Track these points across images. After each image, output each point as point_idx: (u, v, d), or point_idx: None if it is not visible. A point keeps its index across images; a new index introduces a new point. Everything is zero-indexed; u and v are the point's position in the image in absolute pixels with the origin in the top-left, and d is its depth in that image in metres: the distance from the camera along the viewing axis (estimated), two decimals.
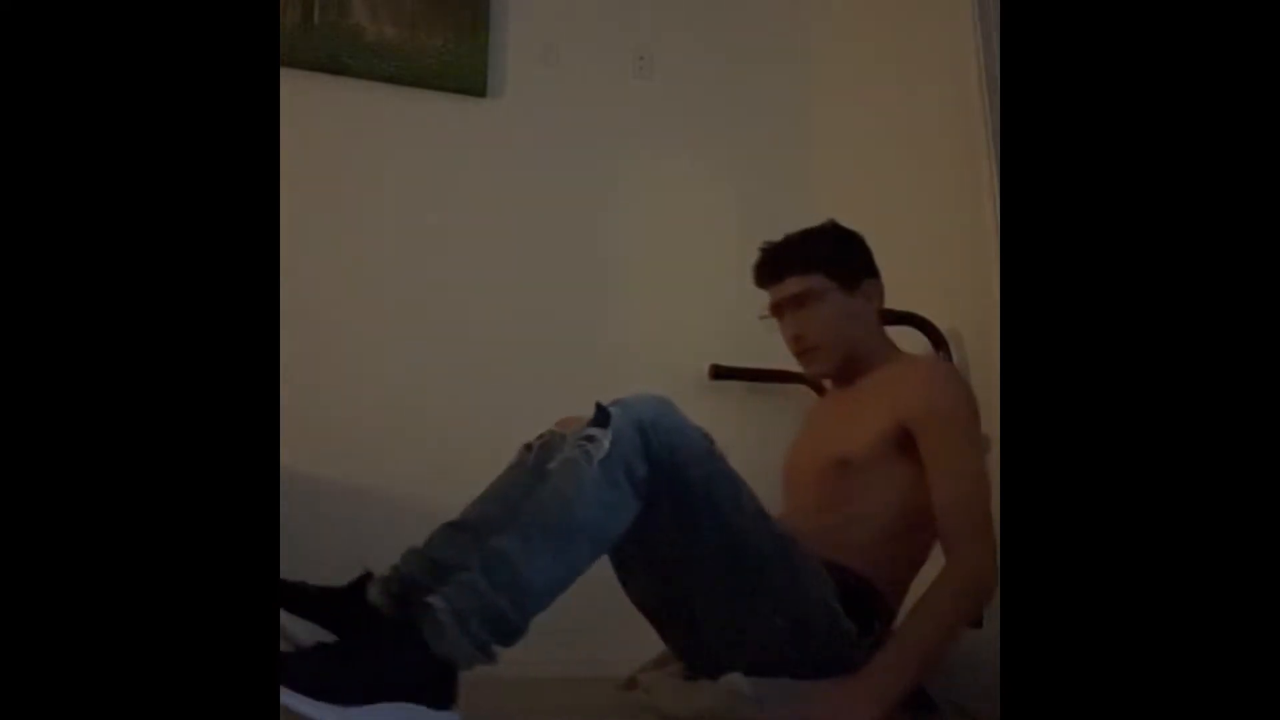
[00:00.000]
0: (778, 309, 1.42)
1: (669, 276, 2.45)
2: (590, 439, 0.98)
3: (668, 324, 2.41)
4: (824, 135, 2.63)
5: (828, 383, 1.60)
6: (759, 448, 2.41)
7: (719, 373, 2.33)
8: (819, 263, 1.39)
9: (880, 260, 2.39)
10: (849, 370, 1.41)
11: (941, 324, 1.93)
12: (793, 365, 2.35)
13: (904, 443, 1.26)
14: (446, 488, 2.14)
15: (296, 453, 1.71)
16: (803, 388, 2.38)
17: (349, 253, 2.20)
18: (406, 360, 2.18)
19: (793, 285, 1.39)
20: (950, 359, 1.87)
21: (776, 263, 1.43)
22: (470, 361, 2.22)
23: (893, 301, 2.00)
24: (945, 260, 2.06)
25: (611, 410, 1.00)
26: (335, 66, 2.25)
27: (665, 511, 1.00)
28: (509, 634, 0.93)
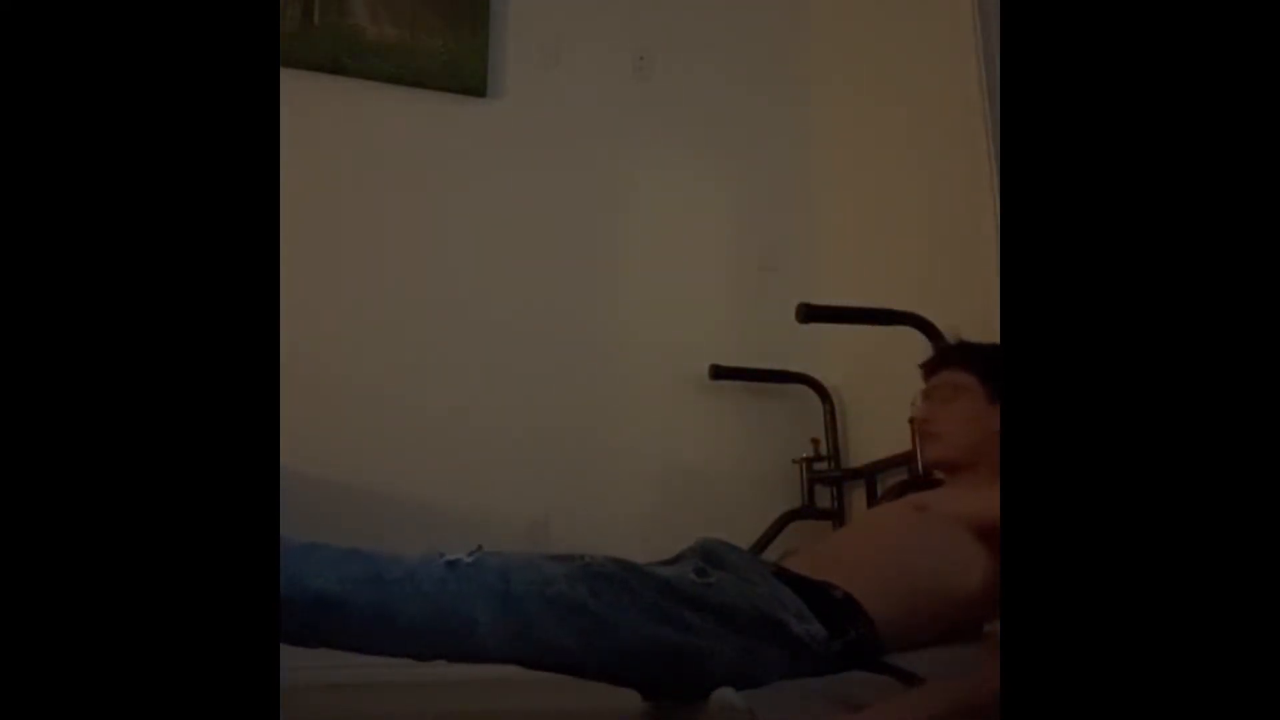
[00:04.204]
0: (926, 395, 1.52)
1: (669, 276, 2.45)
2: (455, 555, 1.04)
3: (668, 324, 2.41)
4: (824, 135, 2.63)
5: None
6: (758, 447, 2.43)
7: (719, 373, 2.33)
8: (972, 364, 1.49)
9: (880, 260, 2.39)
10: (960, 468, 1.47)
11: (941, 324, 1.93)
12: (791, 365, 2.38)
13: (982, 533, 1.29)
14: (446, 488, 2.16)
15: (296, 453, 1.71)
16: (802, 388, 2.39)
17: (349, 253, 2.20)
18: (406, 360, 2.18)
19: (943, 376, 1.51)
20: None
21: (940, 358, 1.56)
22: (470, 362, 2.22)
23: (893, 301, 2.01)
24: (945, 260, 2.07)
25: (483, 548, 1.06)
26: (335, 66, 2.25)
27: (567, 636, 1.03)
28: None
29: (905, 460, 1.96)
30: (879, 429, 2.23)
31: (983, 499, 1.31)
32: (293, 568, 0.97)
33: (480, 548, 1.05)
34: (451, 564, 1.01)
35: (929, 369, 1.54)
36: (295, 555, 0.99)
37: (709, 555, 1.21)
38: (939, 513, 1.35)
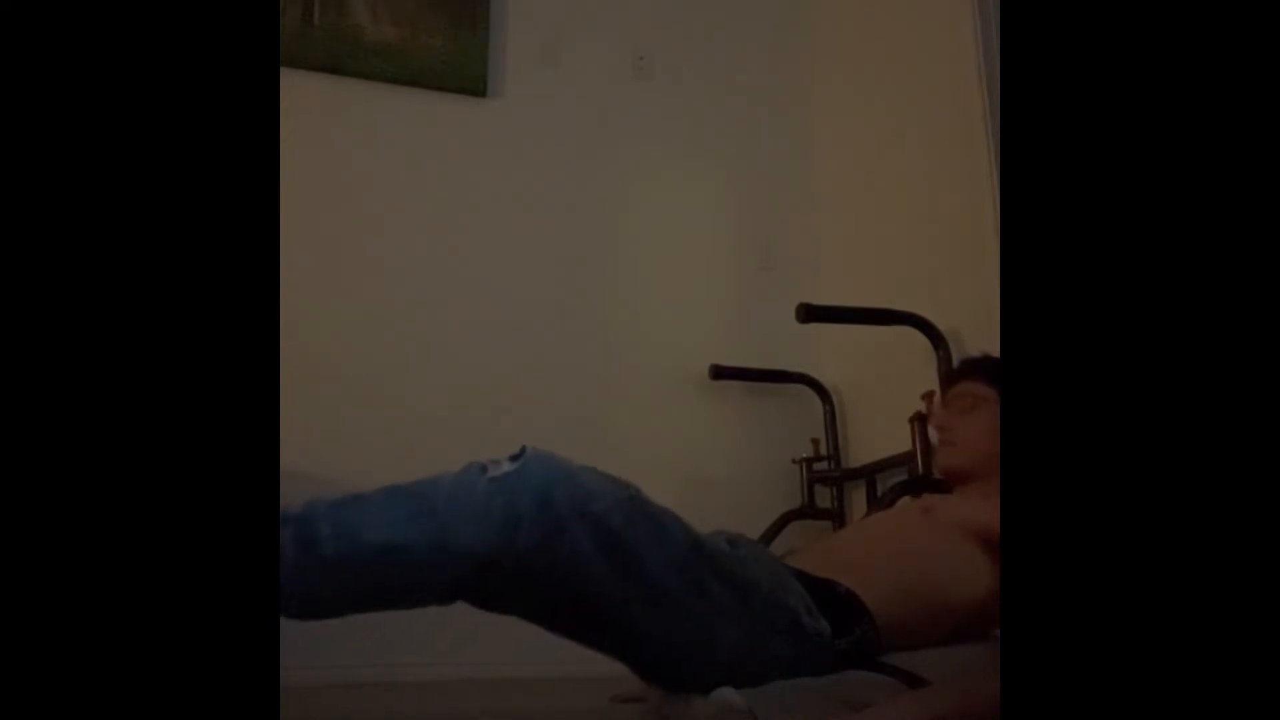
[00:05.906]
0: (945, 403, 1.52)
1: (669, 276, 2.45)
2: (496, 462, 1.01)
3: (668, 324, 2.41)
4: (823, 135, 2.63)
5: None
6: (758, 447, 2.44)
7: (719, 373, 2.33)
8: (994, 377, 1.49)
9: (880, 260, 2.39)
10: (972, 478, 1.47)
11: (941, 324, 1.93)
12: (791, 365, 2.38)
13: (989, 541, 1.29)
14: None
15: (296, 453, 1.71)
16: (802, 388, 2.39)
17: (349, 253, 2.20)
18: (405, 359, 2.18)
19: (964, 386, 1.51)
20: (950, 359, 1.87)
21: (962, 368, 1.56)
22: (469, 361, 2.23)
23: (893, 301, 2.01)
24: (945, 260, 2.07)
25: (528, 450, 1.03)
26: (335, 67, 2.25)
27: (593, 559, 1.01)
28: (316, 556, 0.95)
29: (905, 460, 1.96)
30: (879, 429, 2.23)
31: (992, 508, 1.31)
32: (341, 525, 0.96)
33: (524, 449, 1.02)
34: (495, 479, 0.99)
35: (952, 379, 1.55)
36: (337, 513, 0.97)
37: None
38: (946, 517, 1.35)
